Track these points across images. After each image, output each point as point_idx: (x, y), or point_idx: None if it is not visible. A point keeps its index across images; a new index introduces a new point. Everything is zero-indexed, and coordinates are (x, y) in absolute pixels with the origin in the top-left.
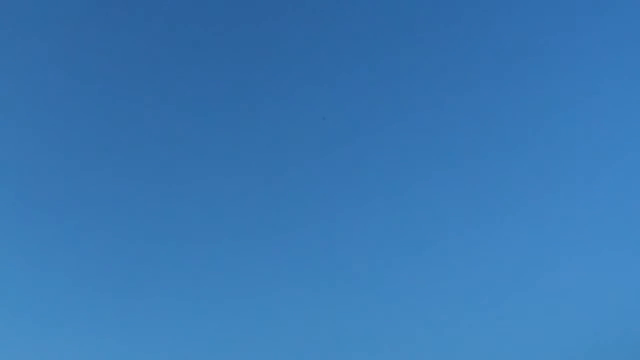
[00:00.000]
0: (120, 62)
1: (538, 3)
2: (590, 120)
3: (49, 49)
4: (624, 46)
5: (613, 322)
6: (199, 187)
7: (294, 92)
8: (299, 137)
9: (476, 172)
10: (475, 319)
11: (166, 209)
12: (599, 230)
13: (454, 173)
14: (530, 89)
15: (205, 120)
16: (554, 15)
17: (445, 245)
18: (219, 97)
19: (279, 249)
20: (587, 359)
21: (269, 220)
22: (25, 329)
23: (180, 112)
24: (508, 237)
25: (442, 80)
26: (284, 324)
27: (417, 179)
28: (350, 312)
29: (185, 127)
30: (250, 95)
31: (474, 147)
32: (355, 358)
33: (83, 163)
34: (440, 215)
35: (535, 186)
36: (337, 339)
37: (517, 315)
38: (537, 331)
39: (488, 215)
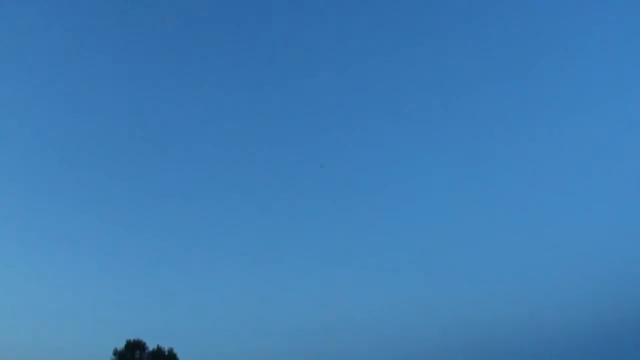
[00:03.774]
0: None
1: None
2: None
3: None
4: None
5: None
6: (201, 185)
7: (295, 87)
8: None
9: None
10: None
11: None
12: None
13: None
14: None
15: (208, 115)
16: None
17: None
18: (222, 91)
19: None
20: None
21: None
22: None
23: (183, 105)
24: None
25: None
26: None
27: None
28: None
29: (188, 121)
30: (253, 89)
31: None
32: None
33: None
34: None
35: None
36: None
37: None
38: None
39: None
